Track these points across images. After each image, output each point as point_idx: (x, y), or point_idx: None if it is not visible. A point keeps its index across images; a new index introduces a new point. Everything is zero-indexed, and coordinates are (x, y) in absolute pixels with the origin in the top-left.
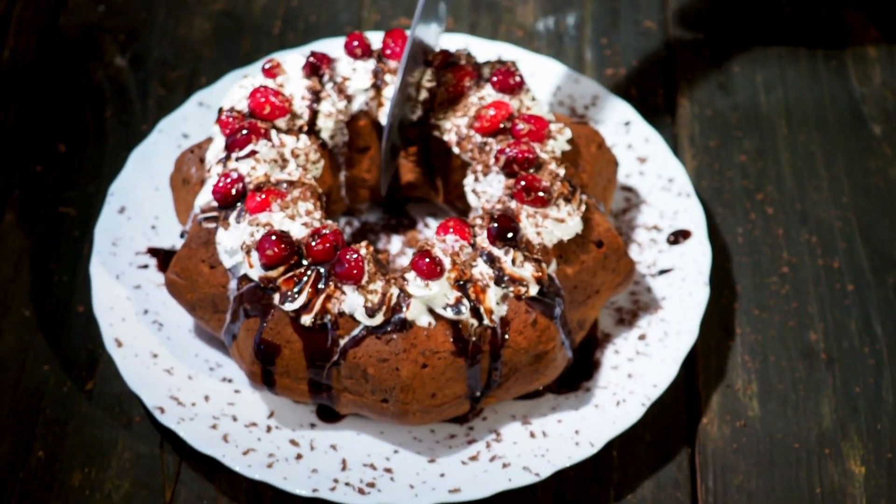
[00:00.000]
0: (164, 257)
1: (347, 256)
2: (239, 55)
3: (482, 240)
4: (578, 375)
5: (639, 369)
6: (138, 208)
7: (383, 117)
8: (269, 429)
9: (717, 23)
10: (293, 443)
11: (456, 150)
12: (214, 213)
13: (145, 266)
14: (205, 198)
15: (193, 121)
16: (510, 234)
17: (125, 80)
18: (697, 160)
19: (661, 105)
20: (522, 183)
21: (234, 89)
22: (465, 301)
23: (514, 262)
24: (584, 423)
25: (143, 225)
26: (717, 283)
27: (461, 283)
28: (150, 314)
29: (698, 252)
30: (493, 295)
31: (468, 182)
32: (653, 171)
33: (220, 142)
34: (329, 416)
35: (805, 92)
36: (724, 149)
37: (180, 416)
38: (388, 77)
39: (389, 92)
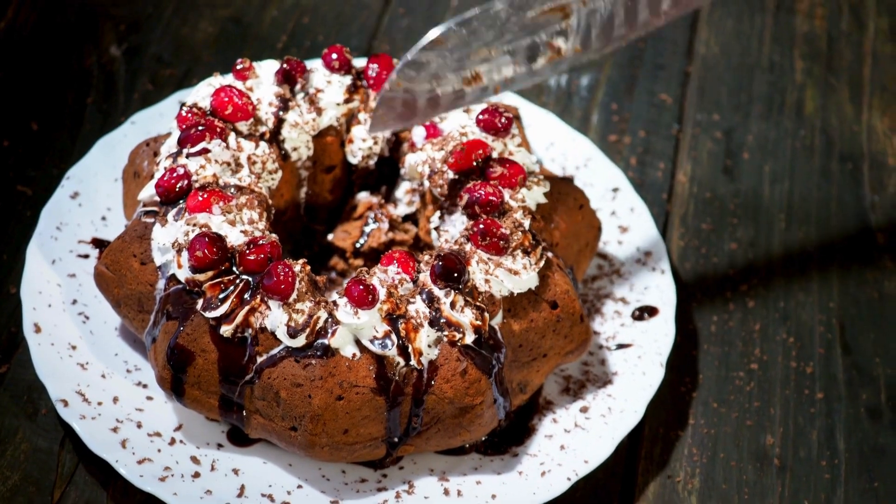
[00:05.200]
0: None
1: (278, 269)
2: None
3: (425, 277)
4: (509, 439)
5: (574, 442)
6: (92, 196)
7: (351, 156)
8: (172, 441)
9: (735, 106)
10: (194, 460)
11: (426, 183)
12: (155, 208)
13: (86, 256)
14: (148, 191)
15: (169, 118)
16: (454, 276)
17: (115, 70)
18: (685, 240)
19: (659, 179)
20: (480, 226)
21: (202, 86)
22: (393, 336)
23: (453, 305)
24: (503, 489)
25: (94, 214)
26: (679, 368)
27: (393, 317)
28: (77, 305)
29: (661, 332)
30: (424, 336)
31: (433, 219)
32: (632, 243)
33: (175, 137)
34: (239, 439)
35: (812, 190)
36: (716, 234)
37: (82, 412)
38: (361, 116)
39: (359, 132)
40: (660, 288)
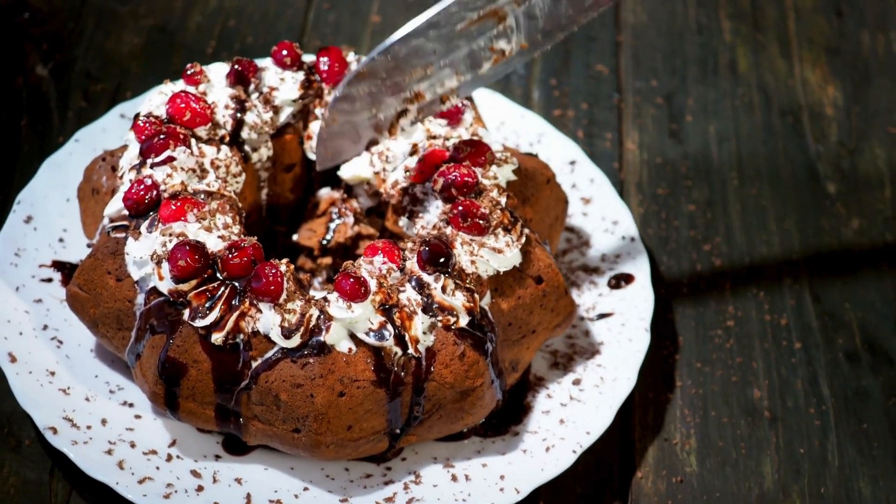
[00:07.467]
0: (69, 272)
1: (266, 271)
2: (168, 72)
3: (412, 264)
4: (507, 419)
5: (572, 415)
6: (46, 219)
7: (311, 152)
8: (169, 458)
9: (671, 71)
10: (195, 474)
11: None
12: (124, 223)
13: (49, 280)
14: (115, 206)
15: (113, 133)
16: (441, 260)
17: (45, 90)
18: (644, 207)
19: (608, 150)
20: (459, 208)
21: (153, 95)
22: (389, 327)
23: (444, 289)
24: (510, 469)
25: (51, 237)
26: (659, 333)
27: (386, 307)
28: (49, 330)
29: (640, 297)
30: (419, 323)
31: (402, 221)
32: (597, 213)
33: (134, 149)
34: (235, 448)
35: (759, 146)
36: (672, 197)
37: (73, 438)
38: (318, 111)
39: (317, 127)
40: (631, 254)
